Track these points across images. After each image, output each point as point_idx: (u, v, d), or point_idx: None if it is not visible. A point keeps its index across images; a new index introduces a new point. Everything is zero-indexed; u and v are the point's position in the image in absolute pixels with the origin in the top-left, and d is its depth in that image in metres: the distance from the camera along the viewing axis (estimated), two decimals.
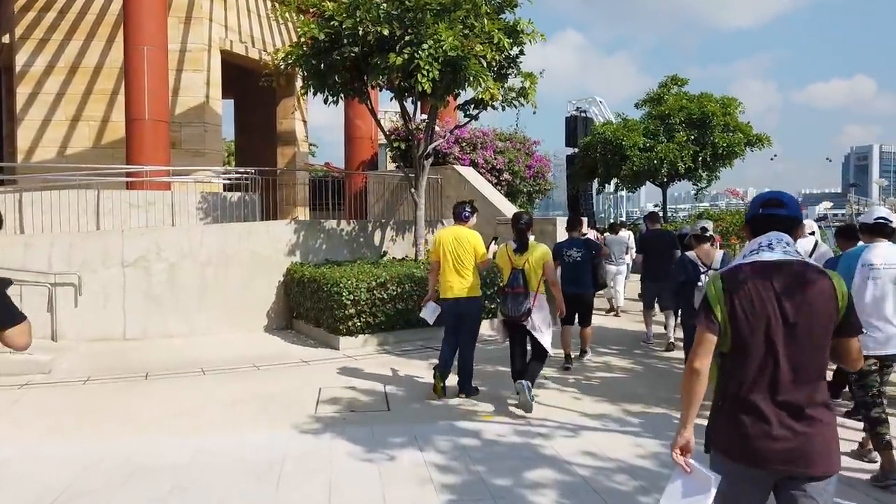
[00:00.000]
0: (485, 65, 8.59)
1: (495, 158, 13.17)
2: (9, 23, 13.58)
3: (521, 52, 9.65)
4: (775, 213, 2.33)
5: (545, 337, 5.48)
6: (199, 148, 13.62)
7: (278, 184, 13.04)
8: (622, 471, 4.19)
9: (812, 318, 2.17)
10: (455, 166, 12.18)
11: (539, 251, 5.57)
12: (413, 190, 9.90)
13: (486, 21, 8.78)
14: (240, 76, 16.27)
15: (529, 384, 5.37)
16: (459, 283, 5.81)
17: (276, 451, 4.59)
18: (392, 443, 4.71)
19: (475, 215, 6.12)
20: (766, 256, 2.25)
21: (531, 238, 5.73)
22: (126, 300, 8.71)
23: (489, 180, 12.65)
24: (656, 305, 8.85)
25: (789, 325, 2.17)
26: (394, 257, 10.37)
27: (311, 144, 29.16)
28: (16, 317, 2.41)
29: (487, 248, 6.05)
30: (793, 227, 2.34)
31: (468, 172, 11.91)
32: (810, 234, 6.95)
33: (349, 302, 7.89)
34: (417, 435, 4.86)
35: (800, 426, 2.15)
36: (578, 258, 7.35)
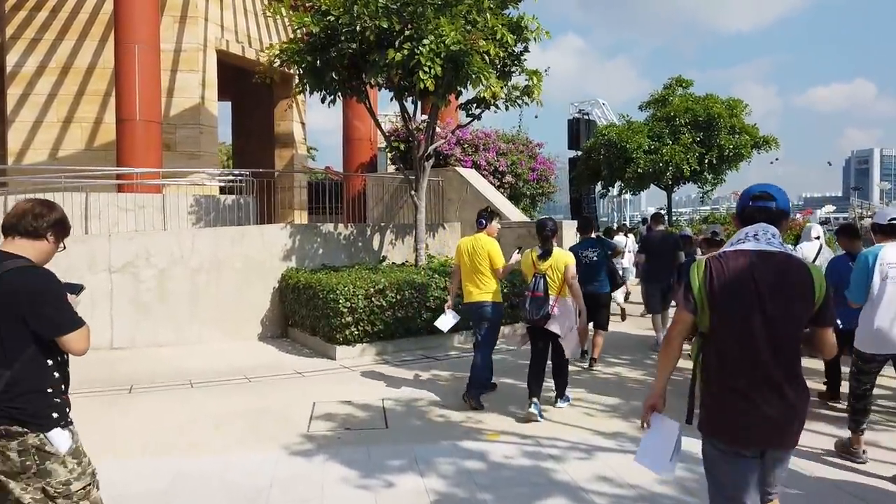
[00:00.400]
0: (488, 61, 8.23)
1: (498, 160, 12.80)
2: (0, 23, 13.25)
3: (526, 49, 9.31)
4: (764, 206, 2.44)
5: (567, 342, 5.46)
6: (194, 150, 13.28)
7: (276, 187, 12.69)
8: (643, 499, 3.81)
9: (789, 306, 2.30)
10: (457, 168, 11.82)
11: (562, 257, 5.54)
12: (413, 192, 9.53)
13: (489, 16, 8.43)
14: (237, 77, 15.93)
15: (561, 397, 5.69)
16: (477, 290, 5.86)
17: (264, 476, 4.20)
18: (390, 466, 4.33)
19: (495, 221, 6.11)
20: (751, 246, 2.37)
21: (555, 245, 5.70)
22: (113, 308, 8.33)
23: (491, 183, 12.29)
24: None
25: (767, 311, 2.29)
26: (393, 262, 10.00)
27: (310, 148, 28.87)
28: (76, 323, 2.47)
29: (511, 256, 5.96)
30: (780, 219, 2.45)
31: (470, 174, 11.55)
32: (816, 238, 7.05)
33: (346, 309, 7.51)
34: (418, 457, 4.47)
35: (778, 406, 2.30)
36: (595, 258, 7.23)
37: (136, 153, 10.13)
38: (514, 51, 9.11)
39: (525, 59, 9.39)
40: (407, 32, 8.00)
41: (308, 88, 9.07)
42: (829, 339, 2.42)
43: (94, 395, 6.21)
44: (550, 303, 5.32)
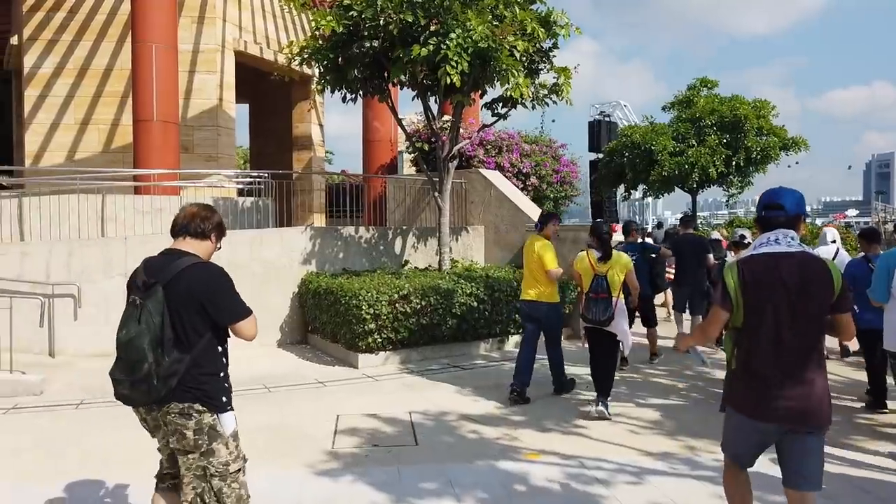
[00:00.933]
0: (517, 57, 7.90)
1: (521, 162, 12.42)
2: (18, 24, 13.13)
3: (555, 46, 8.96)
4: (775, 216, 2.70)
5: (626, 339, 5.63)
6: (211, 152, 13.04)
7: (294, 189, 12.40)
8: None
9: (811, 299, 2.59)
10: (480, 170, 11.46)
11: (623, 259, 5.72)
12: (437, 194, 9.19)
13: (517, 10, 8.11)
14: (255, 79, 15.72)
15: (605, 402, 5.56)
16: (533, 289, 6.05)
17: (289, 499, 3.88)
18: (423, 489, 3.98)
19: (552, 223, 6.25)
20: (773, 249, 2.65)
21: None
22: None
23: (515, 185, 11.91)
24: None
25: (792, 305, 2.58)
26: (416, 267, 9.66)
27: (326, 152, 28.64)
28: (247, 311, 2.78)
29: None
30: (794, 223, 2.70)
31: (494, 176, 11.18)
32: (832, 242, 7.41)
33: (369, 316, 7.18)
34: (452, 479, 4.12)
35: (800, 388, 2.58)
36: (635, 262, 6.92)
37: (153, 154, 9.88)
38: (542, 47, 8.77)
39: (554, 56, 9.05)
40: (433, 27, 7.69)
41: (329, 87, 8.79)
42: (848, 322, 2.71)
43: (107, 406, 5.91)
44: (613, 304, 5.46)
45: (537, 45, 8.46)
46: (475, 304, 7.85)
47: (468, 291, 7.85)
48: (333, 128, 33.50)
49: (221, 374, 2.74)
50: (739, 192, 19.81)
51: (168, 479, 2.89)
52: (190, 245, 2.81)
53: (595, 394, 5.75)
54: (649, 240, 13.82)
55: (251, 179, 10.71)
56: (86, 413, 5.74)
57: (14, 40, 13.33)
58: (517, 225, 10.23)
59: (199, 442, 2.63)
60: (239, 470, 2.76)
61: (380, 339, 7.36)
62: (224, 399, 2.72)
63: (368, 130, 14.18)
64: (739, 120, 18.40)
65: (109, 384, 6.90)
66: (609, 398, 5.54)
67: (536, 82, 9.08)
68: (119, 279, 8.09)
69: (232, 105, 13.69)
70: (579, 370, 6.83)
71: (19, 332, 6.89)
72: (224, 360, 2.78)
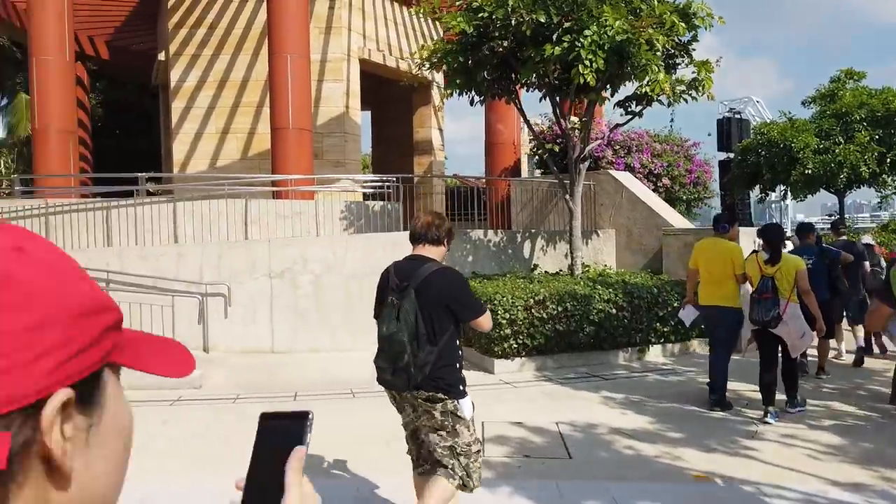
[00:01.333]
0: (659, 50, 7.51)
1: (652, 162, 11.88)
2: (164, 41, 14.19)
3: (695, 38, 8.48)
4: None
5: (797, 345, 5.46)
6: (339, 158, 13.48)
7: (416, 193, 12.56)
8: None
9: None
10: (610, 171, 11.06)
11: (792, 260, 5.58)
12: (567, 197, 8.93)
13: (655, 3, 7.73)
14: (377, 87, 16.12)
15: (789, 403, 5.58)
16: (714, 293, 5.87)
17: None
18: None
19: (735, 225, 6.20)
20: None
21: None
22: (273, 313, 8.43)
23: (646, 186, 11.40)
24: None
25: None
26: (546, 271, 9.43)
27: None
28: (484, 307, 3.17)
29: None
30: None
31: (625, 178, 10.74)
32: None
33: (505, 321, 7.06)
34: (618, 499, 3.86)
35: None
36: (810, 265, 6.49)
37: (289, 160, 10.30)
38: (680, 40, 8.31)
39: (694, 49, 8.56)
40: (566, 24, 7.47)
41: (457, 89, 8.77)
42: None
43: (261, 401, 6.16)
44: (780, 305, 5.29)
45: (675, 38, 8.03)
46: (613, 311, 7.52)
47: (605, 298, 7.54)
48: (447, 132, 33.91)
49: (458, 366, 3.03)
50: (894, 193, 17.91)
51: (419, 466, 3.20)
52: (429, 251, 3.15)
53: (763, 409, 5.48)
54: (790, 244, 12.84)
55: (381, 183, 10.91)
56: (243, 407, 5.99)
57: (161, 56, 14.44)
58: (651, 228, 9.76)
59: (445, 423, 2.96)
60: (478, 451, 3.09)
61: (515, 345, 7.21)
62: (461, 387, 3.01)
63: (491, 133, 14.11)
64: (893, 114, 16.65)
65: (260, 379, 7.18)
66: (797, 400, 5.61)
67: (674, 77, 8.63)
68: (263, 280, 8.47)
69: (357, 112, 14.09)
70: (738, 385, 6.35)
71: (177, 328, 7.35)
72: (460, 352, 3.06)
